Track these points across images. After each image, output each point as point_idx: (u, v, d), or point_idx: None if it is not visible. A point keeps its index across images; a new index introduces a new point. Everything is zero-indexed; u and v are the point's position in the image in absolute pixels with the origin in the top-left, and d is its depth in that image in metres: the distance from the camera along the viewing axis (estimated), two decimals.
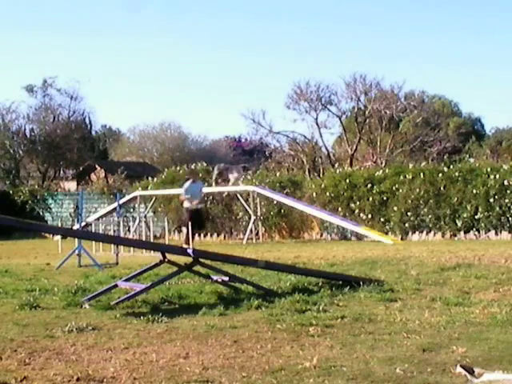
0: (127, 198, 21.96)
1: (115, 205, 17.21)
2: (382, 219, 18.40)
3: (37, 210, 26.83)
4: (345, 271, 8.65)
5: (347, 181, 19.26)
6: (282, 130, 35.45)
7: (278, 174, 22.86)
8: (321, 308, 5.97)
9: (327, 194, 19.44)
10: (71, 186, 36.78)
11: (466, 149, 37.90)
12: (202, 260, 7.04)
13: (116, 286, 7.13)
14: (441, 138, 34.63)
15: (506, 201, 16.45)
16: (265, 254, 12.35)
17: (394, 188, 18.31)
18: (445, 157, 25.84)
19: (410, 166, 19.61)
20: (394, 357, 4.23)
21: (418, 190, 17.78)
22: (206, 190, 21.35)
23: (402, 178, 18.29)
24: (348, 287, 7.08)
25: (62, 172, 40.72)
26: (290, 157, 35.08)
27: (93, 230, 14.58)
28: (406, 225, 17.97)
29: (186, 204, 14.62)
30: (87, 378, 3.90)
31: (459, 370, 3.75)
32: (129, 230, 20.15)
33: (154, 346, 4.74)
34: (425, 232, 17.78)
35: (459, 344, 4.52)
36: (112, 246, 11.91)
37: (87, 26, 70.97)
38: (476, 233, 17.07)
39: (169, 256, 7.16)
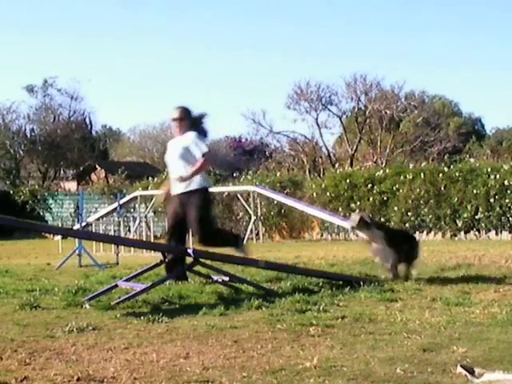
0: (127, 198, 21.96)
1: (115, 205, 17.22)
2: (382, 219, 18.40)
3: (37, 210, 26.86)
4: (345, 271, 8.65)
5: (347, 181, 19.27)
6: (282, 130, 35.56)
7: (278, 174, 22.88)
8: (321, 308, 5.96)
9: (327, 194, 19.45)
10: (71, 186, 36.81)
11: (466, 149, 37.93)
12: (202, 260, 7.04)
13: (116, 285, 7.13)
14: (441, 138, 34.67)
15: (507, 201, 16.45)
16: (265, 254, 12.34)
17: (394, 188, 18.32)
18: (445, 157, 25.83)
19: (411, 166, 19.64)
20: (395, 357, 4.23)
21: (418, 190, 17.79)
22: None
23: (402, 178, 18.30)
24: (348, 287, 7.08)
25: (62, 172, 40.76)
26: (291, 157, 35.16)
27: (93, 230, 14.58)
28: (407, 225, 17.98)
29: None
30: (87, 377, 3.89)
31: (460, 370, 3.75)
32: (129, 230, 20.15)
33: (155, 346, 4.73)
34: (425, 232, 17.78)
35: (460, 344, 4.52)
36: (112, 246, 11.91)
37: (87, 26, 71.02)
38: (476, 233, 17.09)
39: (169, 256, 7.17)
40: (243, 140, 45.94)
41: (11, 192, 28.30)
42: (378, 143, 33.10)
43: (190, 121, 7.78)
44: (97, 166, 39.75)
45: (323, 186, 19.81)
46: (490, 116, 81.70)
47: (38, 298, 6.78)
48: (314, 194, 19.78)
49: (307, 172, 30.14)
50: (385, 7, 64.12)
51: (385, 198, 18.42)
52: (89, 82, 72.92)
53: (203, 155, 7.58)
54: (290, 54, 67.36)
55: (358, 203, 18.75)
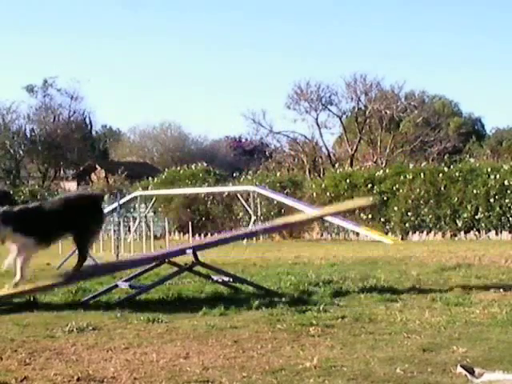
0: (127, 198, 21.96)
1: (115, 205, 17.21)
2: (382, 219, 18.40)
3: None
4: (345, 271, 8.67)
5: (347, 181, 19.27)
6: (282, 130, 35.55)
7: (278, 174, 22.89)
8: (321, 308, 5.96)
9: (327, 194, 19.46)
10: (71, 186, 36.81)
11: (466, 149, 37.89)
12: (202, 260, 7.05)
13: (116, 286, 7.14)
14: (441, 138, 34.65)
15: (507, 201, 16.45)
16: (265, 254, 12.35)
17: (394, 188, 18.33)
18: (445, 157, 25.85)
19: (411, 166, 19.65)
20: (395, 357, 4.23)
21: (418, 190, 17.79)
22: (206, 189, 21.42)
23: (402, 178, 18.31)
24: (348, 287, 7.08)
25: (62, 172, 40.76)
26: (291, 157, 35.14)
27: None
28: (407, 225, 17.99)
29: None
30: (87, 378, 3.89)
31: (459, 370, 3.75)
32: (129, 230, 20.15)
33: (155, 346, 4.73)
34: (425, 232, 17.79)
35: (459, 344, 4.52)
36: (112, 246, 11.92)
37: (87, 25, 70.88)
38: (476, 233, 17.09)
39: None
40: (243, 140, 45.94)
41: (11, 192, 28.31)
42: (378, 143, 33.10)
43: None
44: (97, 166, 39.75)
45: (323, 185, 19.82)
46: (490, 116, 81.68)
47: (38, 298, 6.78)
48: (314, 194, 19.78)
49: (307, 172, 30.14)
50: (385, 7, 64.06)
51: (385, 198, 18.42)
52: (88, 81, 73.00)
53: None
54: (289, 54, 67.26)
55: None
